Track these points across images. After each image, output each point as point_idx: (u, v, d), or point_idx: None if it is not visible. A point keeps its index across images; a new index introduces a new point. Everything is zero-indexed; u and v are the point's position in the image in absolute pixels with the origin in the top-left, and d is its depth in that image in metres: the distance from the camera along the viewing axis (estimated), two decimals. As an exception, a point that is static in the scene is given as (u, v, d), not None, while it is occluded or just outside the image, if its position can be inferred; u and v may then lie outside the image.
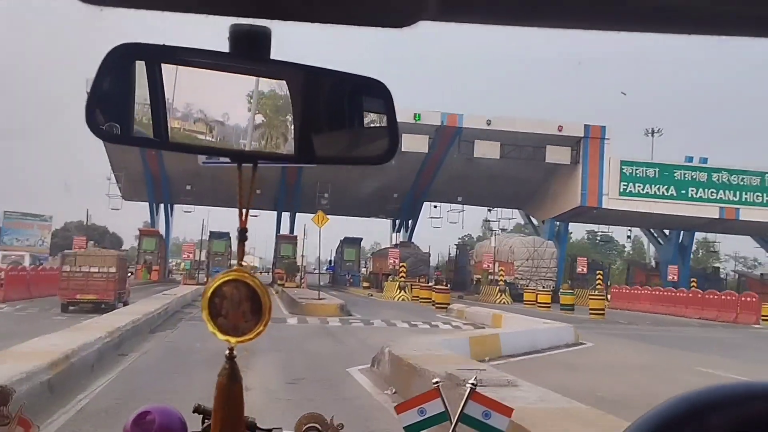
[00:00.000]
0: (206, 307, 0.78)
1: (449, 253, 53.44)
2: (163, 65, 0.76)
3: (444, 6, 0.56)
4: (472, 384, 1.36)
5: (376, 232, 63.19)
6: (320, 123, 0.81)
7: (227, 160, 0.84)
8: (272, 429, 1.18)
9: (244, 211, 0.80)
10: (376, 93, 0.80)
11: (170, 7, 0.52)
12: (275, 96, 0.79)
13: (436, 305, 26.06)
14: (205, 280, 38.52)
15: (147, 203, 50.87)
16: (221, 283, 0.79)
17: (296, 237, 48.38)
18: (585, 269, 39.11)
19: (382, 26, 0.58)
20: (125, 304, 19.94)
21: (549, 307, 28.59)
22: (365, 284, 45.75)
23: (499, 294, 32.10)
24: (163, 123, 0.79)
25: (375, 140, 0.82)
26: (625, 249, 71.30)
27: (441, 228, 56.01)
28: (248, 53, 0.72)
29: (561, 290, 30.81)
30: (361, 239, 53.31)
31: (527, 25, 0.60)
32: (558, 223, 46.19)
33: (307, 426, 1.21)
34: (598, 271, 36.25)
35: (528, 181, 46.61)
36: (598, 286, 31.49)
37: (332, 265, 62.02)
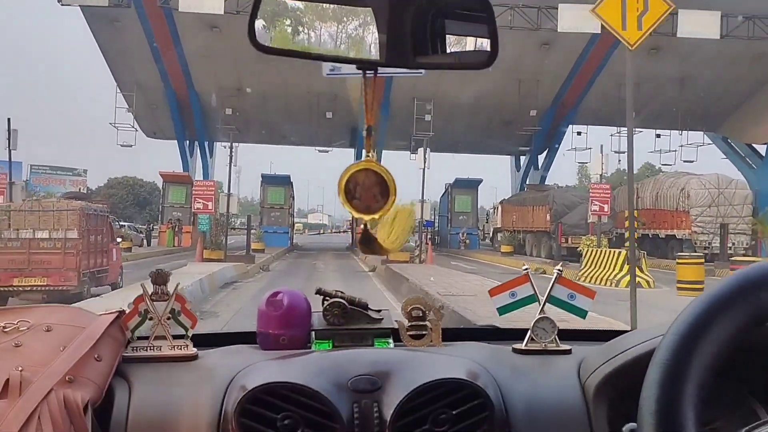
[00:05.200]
0: (342, 191, 1.01)
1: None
2: None
3: None
4: (559, 270, 1.57)
5: (483, 173, 49.17)
6: (429, 33, 0.99)
7: (350, 69, 1.01)
8: (381, 310, 1.50)
9: (370, 111, 1.03)
10: (479, 4, 1.00)
11: None
12: (388, 10, 0.98)
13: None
14: (246, 250, 24.46)
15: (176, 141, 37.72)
16: (354, 171, 1.01)
17: (386, 180, 34.24)
18: None
19: None
20: (114, 288, 15.02)
21: None
22: (505, 248, 31.52)
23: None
24: (303, 36, 1.05)
25: (477, 47, 1.02)
26: None
27: (590, 163, 41.46)
28: None
29: None
30: (480, 181, 39.02)
31: None
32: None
33: (412, 307, 1.47)
34: None
35: (744, 81, 34.38)
36: None
37: (430, 219, 47.64)
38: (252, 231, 31.04)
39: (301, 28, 1.07)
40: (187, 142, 40.03)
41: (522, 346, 1.46)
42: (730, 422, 1.01)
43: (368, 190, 1.01)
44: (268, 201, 38.78)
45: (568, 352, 1.44)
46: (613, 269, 20.19)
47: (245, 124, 36.16)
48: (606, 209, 24.57)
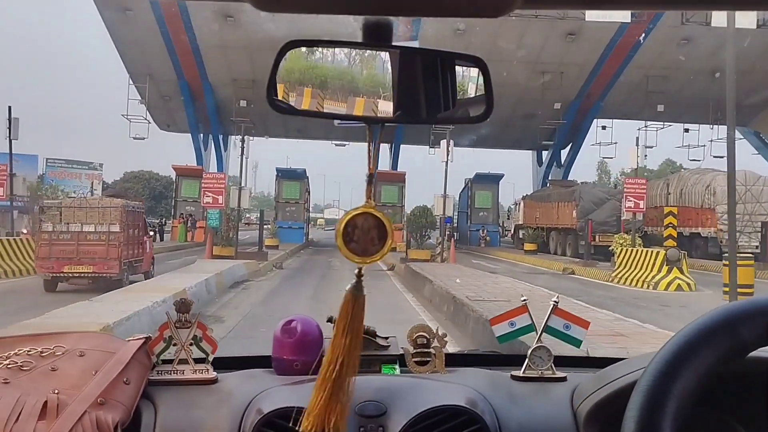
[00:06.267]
0: (341, 235, 1.03)
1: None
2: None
3: None
4: (555, 301, 1.62)
5: (502, 168, 47.92)
6: (432, 91, 1.09)
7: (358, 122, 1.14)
8: (388, 337, 1.57)
9: (373, 161, 1.10)
10: (476, 65, 1.11)
11: (320, 10, 0.77)
12: (395, 70, 1.09)
13: None
14: (258, 247, 23.59)
15: (189, 133, 37.02)
16: (353, 216, 1.04)
17: (404, 175, 34.03)
18: None
19: (478, 17, 0.76)
20: (147, 276, 16.80)
21: None
22: (529, 246, 30.50)
23: None
24: (319, 96, 1.14)
25: (475, 104, 1.12)
26: None
27: (615, 158, 40.62)
28: (375, 40, 0.99)
29: None
30: (501, 176, 37.98)
31: (615, 8, 0.76)
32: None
33: (417, 335, 1.55)
34: None
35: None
36: None
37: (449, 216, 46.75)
38: (266, 226, 30.18)
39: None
40: (201, 135, 39.72)
41: (520, 373, 1.53)
42: None
43: (366, 234, 1.05)
44: (283, 195, 38.12)
45: (563, 379, 1.50)
46: (651, 270, 19.08)
47: (260, 116, 35.40)
48: (642, 205, 23.16)
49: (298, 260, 27.84)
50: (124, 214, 15.60)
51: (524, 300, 1.66)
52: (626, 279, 19.91)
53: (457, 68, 1.11)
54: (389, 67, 1.09)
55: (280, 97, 1.08)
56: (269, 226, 33.41)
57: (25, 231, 23.31)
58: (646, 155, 41.11)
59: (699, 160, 42.48)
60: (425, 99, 1.09)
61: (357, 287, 1.12)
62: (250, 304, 13.63)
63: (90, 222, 15.28)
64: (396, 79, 1.08)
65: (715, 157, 40.62)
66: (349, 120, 1.17)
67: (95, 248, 15.10)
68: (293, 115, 1.12)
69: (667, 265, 18.39)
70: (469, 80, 1.14)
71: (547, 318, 1.60)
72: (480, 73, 1.11)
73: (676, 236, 20.59)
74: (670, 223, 20.33)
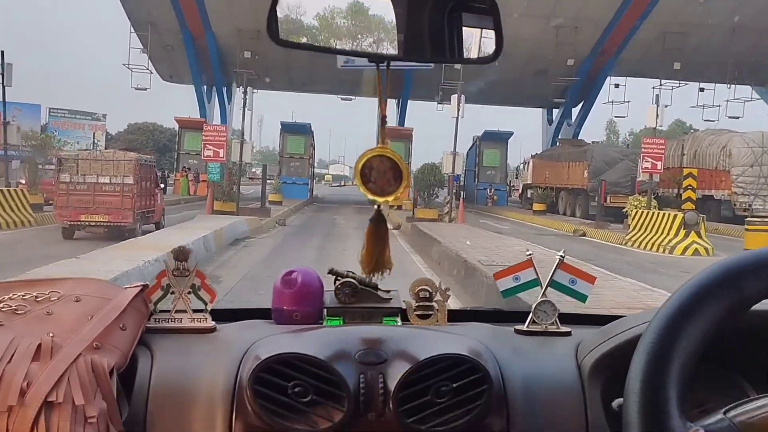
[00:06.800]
0: (359, 175, 1.10)
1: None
2: None
3: None
4: (561, 255, 1.60)
5: (509, 126, 47.24)
6: (440, 30, 1.07)
7: (363, 62, 1.09)
8: (390, 290, 1.56)
9: (384, 103, 1.12)
10: (486, 3, 1.09)
11: None
12: (402, 6, 1.07)
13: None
14: (261, 203, 23.11)
15: (192, 87, 36.44)
16: (370, 157, 1.10)
17: (411, 131, 33.43)
18: None
19: None
20: (158, 226, 18.07)
21: None
22: (538, 206, 29.92)
23: None
24: (320, 32, 1.13)
25: (483, 42, 1.10)
26: None
27: (627, 117, 39.84)
28: None
29: None
30: (511, 134, 37.31)
31: None
32: None
33: (419, 288, 1.54)
34: None
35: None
36: None
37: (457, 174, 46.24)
38: (270, 182, 29.65)
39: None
40: (205, 87, 39.13)
41: (524, 327, 1.52)
42: (721, 403, 1.05)
43: (383, 175, 1.10)
44: (288, 150, 37.77)
45: (567, 334, 1.50)
46: (667, 234, 18.42)
47: (265, 69, 34.59)
48: (659, 167, 22.27)
49: (302, 217, 27.62)
50: (137, 167, 16.71)
51: (529, 254, 1.63)
52: (641, 242, 19.38)
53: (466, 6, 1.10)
54: (393, 5, 1.06)
55: (281, 31, 1.05)
56: (273, 181, 32.94)
57: (23, 182, 22.99)
58: (657, 114, 40.35)
59: (714, 121, 41.72)
60: (432, 37, 1.07)
61: (378, 217, 1.21)
62: (250, 262, 13.24)
63: (105, 174, 16.37)
64: (403, 15, 1.06)
65: (730, 117, 39.90)
66: (353, 56, 1.15)
67: (110, 199, 16.25)
68: (295, 48, 1.11)
69: (684, 228, 17.77)
70: (478, 19, 1.11)
71: (553, 272, 1.57)
72: (490, 11, 1.09)
73: (695, 199, 19.74)
74: (690, 185, 19.47)
